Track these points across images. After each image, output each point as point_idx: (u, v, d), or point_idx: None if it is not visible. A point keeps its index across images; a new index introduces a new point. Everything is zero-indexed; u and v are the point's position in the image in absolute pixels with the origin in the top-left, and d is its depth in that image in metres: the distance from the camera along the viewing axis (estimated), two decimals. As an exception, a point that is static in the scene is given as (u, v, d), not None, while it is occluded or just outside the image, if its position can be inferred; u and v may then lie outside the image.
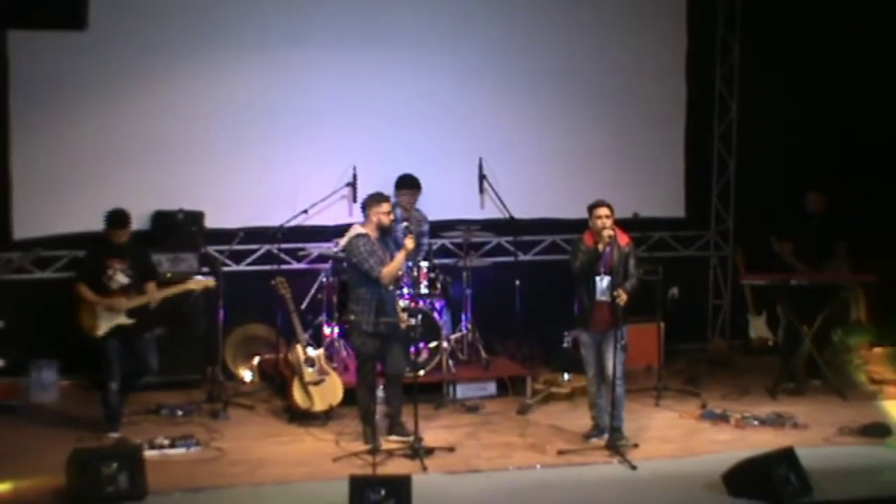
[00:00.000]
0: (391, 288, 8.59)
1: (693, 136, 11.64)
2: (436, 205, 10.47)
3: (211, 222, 10.24)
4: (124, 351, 8.69)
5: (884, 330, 11.13)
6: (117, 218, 8.72)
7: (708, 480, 7.67)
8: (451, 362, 9.81)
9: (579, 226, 8.84)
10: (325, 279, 10.11)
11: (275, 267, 10.09)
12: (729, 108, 11.77)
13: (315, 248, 10.38)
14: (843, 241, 10.23)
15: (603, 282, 8.42)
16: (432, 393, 9.57)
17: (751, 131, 11.65)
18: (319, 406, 9.05)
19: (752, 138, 11.64)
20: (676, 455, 8.44)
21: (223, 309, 9.67)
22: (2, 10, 8.82)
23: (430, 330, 9.61)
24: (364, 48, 10.48)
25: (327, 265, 10.18)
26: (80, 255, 9.88)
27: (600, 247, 8.39)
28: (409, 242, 8.47)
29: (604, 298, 8.41)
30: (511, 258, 10.64)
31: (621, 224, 8.70)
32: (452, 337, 10.06)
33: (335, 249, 9.91)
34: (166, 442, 8.38)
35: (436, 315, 9.82)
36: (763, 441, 8.51)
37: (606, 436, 8.48)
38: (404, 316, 8.66)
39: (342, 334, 9.87)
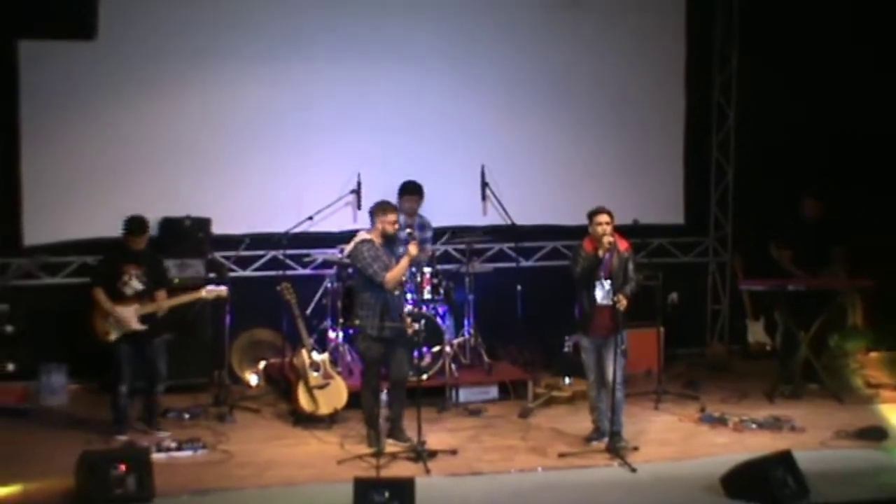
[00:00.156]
0: (396, 293, 8.61)
1: (692, 145, 11.69)
2: (439, 211, 10.51)
3: (218, 228, 10.28)
4: (135, 355, 8.74)
5: (880, 334, 11.14)
6: (136, 225, 8.77)
7: (706, 483, 7.69)
8: (453, 366, 9.84)
9: (580, 232, 8.84)
10: (329, 285, 10.15)
11: (280, 272, 10.15)
12: (727, 117, 11.81)
13: (320, 254, 10.43)
14: (839, 247, 10.23)
15: (603, 287, 8.44)
16: (435, 397, 9.58)
17: (748, 139, 11.69)
18: (324, 409, 9.08)
19: (750, 146, 11.68)
20: (675, 458, 8.44)
21: (229, 314, 9.71)
22: (12, 21, 8.98)
23: (433, 335, 9.63)
24: (368, 60, 10.55)
25: (332, 271, 10.20)
26: (88, 261, 10.04)
27: (600, 253, 8.39)
28: (413, 248, 8.48)
29: (604, 303, 8.43)
30: (513, 264, 10.69)
31: (621, 231, 8.73)
32: (455, 341, 10.08)
33: (340, 256, 9.98)
34: (174, 445, 8.40)
35: (439, 320, 9.85)
36: (761, 444, 8.52)
37: (607, 439, 8.48)
38: (410, 321, 8.67)
39: (346, 339, 9.92)
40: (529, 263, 11.08)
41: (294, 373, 9.28)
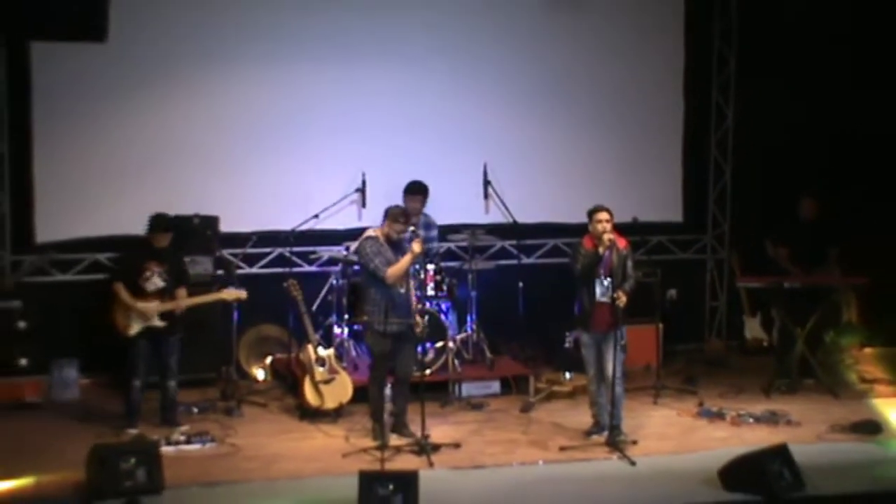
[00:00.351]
0: (402, 290, 8.61)
1: (690, 144, 11.72)
2: (442, 209, 10.55)
3: (225, 227, 10.30)
4: (151, 352, 8.79)
5: (874, 331, 11.23)
6: (160, 222, 8.81)
7: (704, 476, 7.76)
8: (456, 362, 9.91)
9: (580, 230, 8.90)
10: (335, 281, 10.21)
11: (287, 270, 10.20)
12: (725, 117, 11.83)
13: (326, 252, 10.49)
14: (835, 247, 10.25)
15: (603, 284, 8.50)
16: (438, 391, 9.63)
17: (746, 139, 11.72)
18: (330, 404, 9.13)
19: (748, 146, 11.71)
20: (674, 451, 8.50)
21: (237, 310, 9.71)
22: (25, 23, 9.05)
23: (436, 330, 9.69)
24: (373, 62, 10.61)
25: (337, 268, 10.27)
26: (99, 258, 10.13)
27: (600, 250, 8.46)
28: (417, 246, 8.52)
29: (604, 300, 8.49)
30: (514, 261, 10.72)
31: (621, 228, 8.80)
32: (458, 337, 10.14)
33: (345, 253, 10.06)
34: (182, 438, 8.46)
35: (442, 316, 9.90)
36: (758, 438, 8.57)
37: (606, 433, 8.54)
38: (419, 318, 8.66)
39: (351, 334, 10.02)
40: (531, 260, 11.11)
41: (300, 368, 9.34)
